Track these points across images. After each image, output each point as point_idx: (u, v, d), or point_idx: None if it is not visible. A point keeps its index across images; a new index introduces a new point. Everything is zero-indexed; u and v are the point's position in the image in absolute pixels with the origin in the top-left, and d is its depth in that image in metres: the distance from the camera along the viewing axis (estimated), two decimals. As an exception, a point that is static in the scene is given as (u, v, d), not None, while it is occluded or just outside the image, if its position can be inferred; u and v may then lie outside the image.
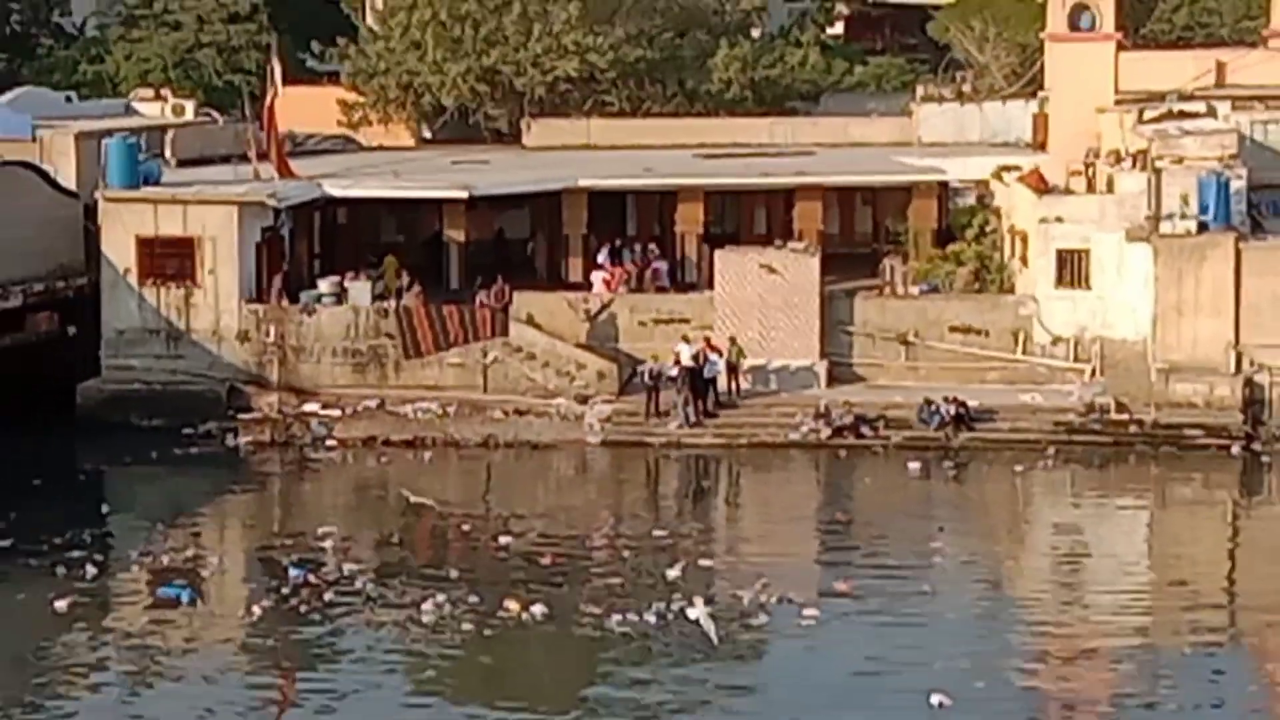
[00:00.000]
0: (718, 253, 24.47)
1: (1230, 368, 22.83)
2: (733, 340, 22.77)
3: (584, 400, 23.27)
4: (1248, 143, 24.60)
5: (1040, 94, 28.28)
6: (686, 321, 24.13)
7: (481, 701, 13.38)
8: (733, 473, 23.35)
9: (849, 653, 14.60)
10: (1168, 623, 15.53)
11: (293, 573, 16.73)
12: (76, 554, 18.14)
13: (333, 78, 36.19)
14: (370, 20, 34.91)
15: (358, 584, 16.71)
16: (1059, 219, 23.50)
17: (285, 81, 27.36)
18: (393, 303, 24.42)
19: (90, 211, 25.37)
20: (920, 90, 31.32)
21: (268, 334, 24.21)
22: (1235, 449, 22.20)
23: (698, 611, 14.39)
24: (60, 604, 15.70)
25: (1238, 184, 22.93)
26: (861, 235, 29.40)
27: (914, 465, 21.87)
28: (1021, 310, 23.85)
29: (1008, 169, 25.75)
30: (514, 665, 14.89)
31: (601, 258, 25.86)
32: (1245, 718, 12.68)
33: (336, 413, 23.94)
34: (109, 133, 26.16)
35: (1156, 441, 22.84)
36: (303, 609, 15.74)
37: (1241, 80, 27.25)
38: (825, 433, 21.66)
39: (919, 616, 15.54)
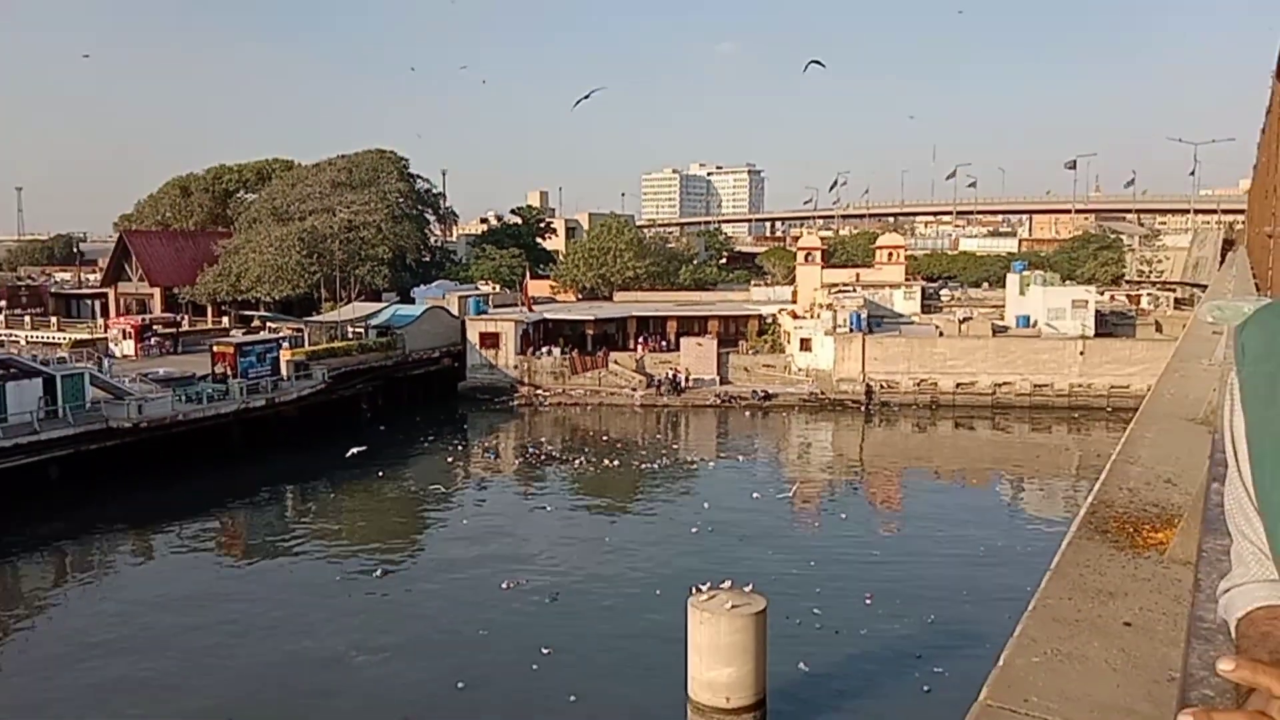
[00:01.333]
0: (683, 339, 52.74)
1: (862, 379, 49.32)
2: (687, 369, 51.19)
3: (635, 389, 50.69)
4: (866, 302, 52.50)
5: (793, 285, 57.62)
6: (670, 361, 51.85)
7: (597, 496, 35.15)
8: (685, 417, 48.21)
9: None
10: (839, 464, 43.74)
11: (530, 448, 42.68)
12: (458, 443, 43.52)
13: (546, 276, 66.46)
14: (561, 252, 67.25)
15: (553, 452, 43.88)
16: (801, 327, 51.51)
17: (531, 277, 58.14)
18: (566, 355, 52.74)
19: (462, 324, 53.48)
20: (753, 282, 62.18)
21: (525, 365, 52.13)
22: (861, 409, 48.41)
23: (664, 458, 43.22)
24: (449, 460, 39.65)
25: (862, 315, 50.45)
26: (730, 334, 56.01)
27: (747, 415, 49.07)
28: (788, 359, 51.28)
29: (782, 310, 54.48)
30: (608, 483, 35.67)
31: (640, 340, 54.66)
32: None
33: (548, 393, 51.33)
34: (469, 296, 55.94)
35: (835, 405, 48.47)
36: (535, 461, 40.86)
37: (868, 279, 56.21)
38: (716, 395, 50.51)
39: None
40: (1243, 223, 48.66)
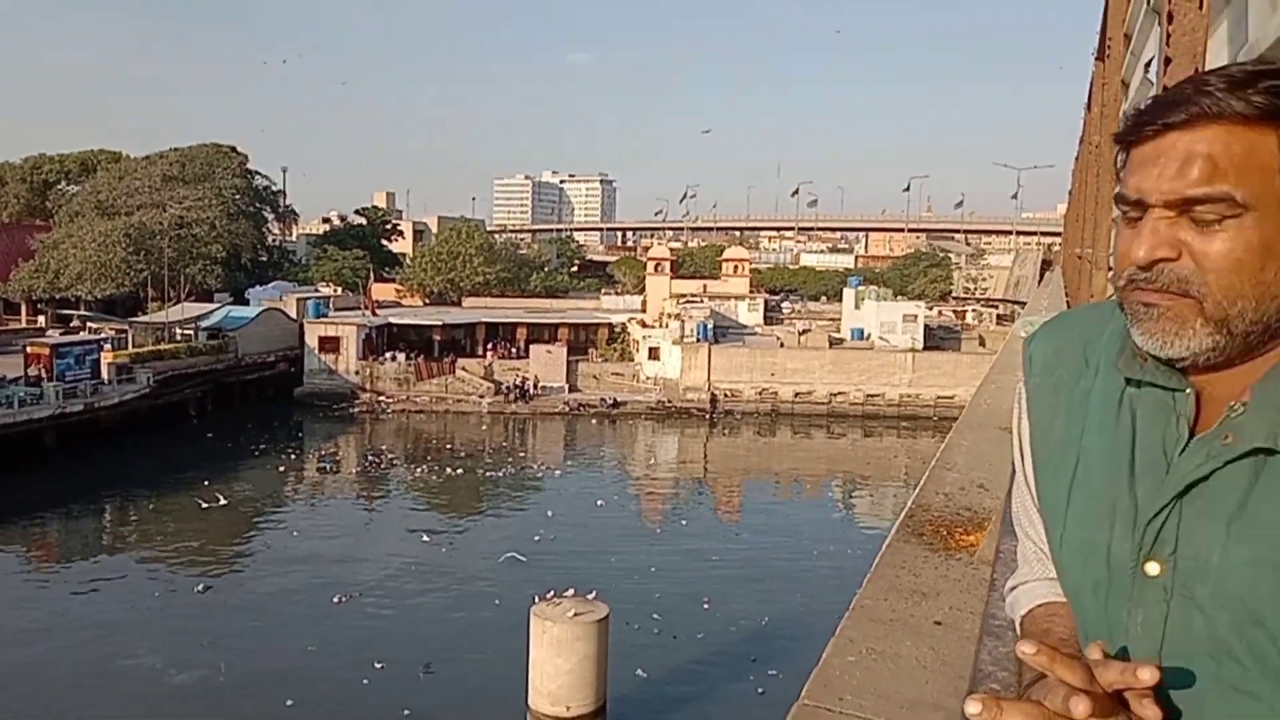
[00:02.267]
0: (533, 346, 52.34)
1: (708, 388, 50.23)
2: (536, 377, 50.82)
3: (482, 396, 49.89)
4: (713, 312, 53.70)
5: (643, 294, 58.57)
6: (519, 369, 51.37)
7: (439, 506, 40.41)
8: (533, 425, 47.79)
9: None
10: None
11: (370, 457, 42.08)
12: (293, 451, 41.55)
13: (392, 280, 64.90)
14: (408, 256, 65.71)
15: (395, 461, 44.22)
16: (649, 336, 52.17)
17: (376, 280, 56.71)
18: (412, 361, 51.49)
19: (301, 327, 51.11)
20: (604, 291, 62.67)
21: (367, 371, 50.36)
22: (706, 417, 49.46)
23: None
24: (282, 469, 38.20)
25: (709, 325, 51.35)
26: (581, 341, 55.90)
27: (595, 423, 49.29)
28: (636, 367, 51.81)
29: (632, 319, 55.18)
30: (452, 493, 36.40)
31: (489, 346, 53.89)
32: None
33: (391, 400, 49.76)
34: (308, 298, 53.93)
35: (682, 413, 49.16)
36: (374, 470, 40.66)
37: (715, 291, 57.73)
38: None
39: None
40: (1059, 244, 52.25)
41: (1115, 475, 1.03)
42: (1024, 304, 45.55)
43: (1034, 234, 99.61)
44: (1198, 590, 0.94)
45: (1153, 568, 0.98)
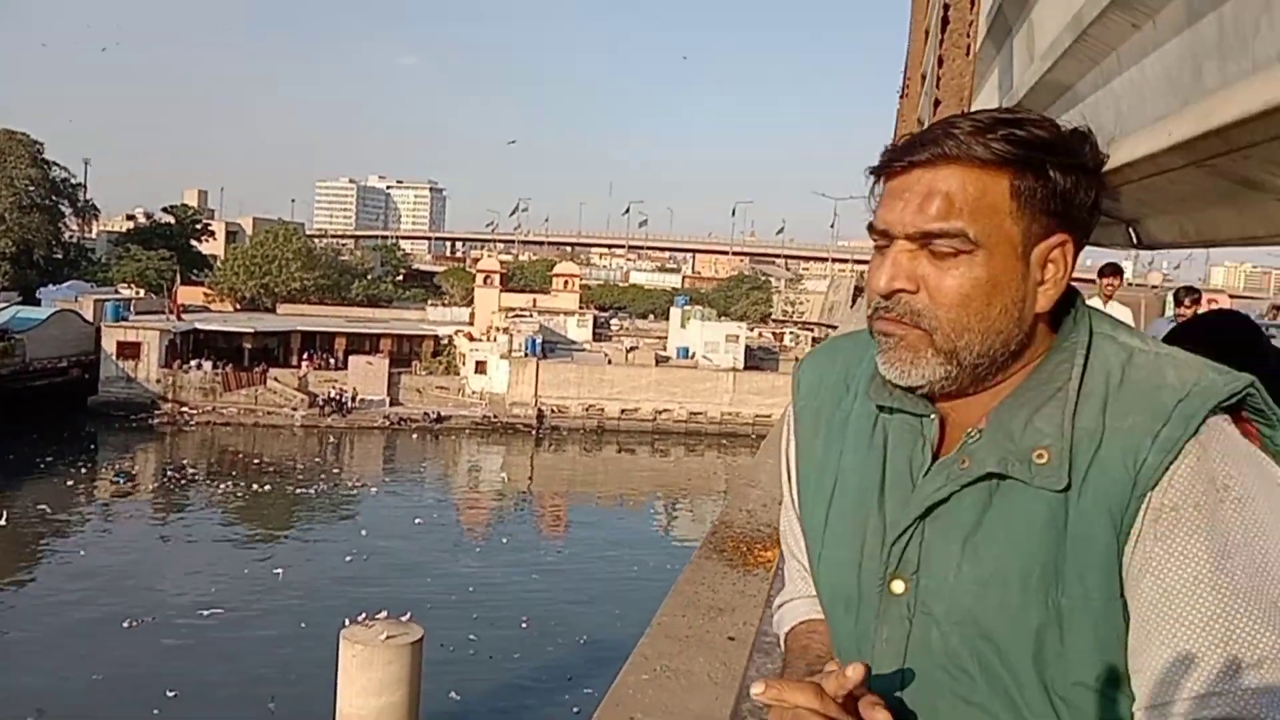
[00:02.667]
0: (352, 357, 50.73)
1: (534, 403, 50.11)
2: (355, 389, 49.17)
3: (295, 409, 47.72)
4: (542, 327, 53.68)
5: (471, 307, 58.07)
6: (336, 380, 49.55)
7: (245, 524, 38.67)
8: (350, 440, 46.03)
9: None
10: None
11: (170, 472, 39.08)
12: (85, 465, 38.32)
13: (200, 283, 61.36)
14: (220, 258, 62.37)
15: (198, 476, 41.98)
16: (477, 349, 51.53)
17: (183, 283, 53.50)
18: (220, 370, 48.63)
19: (97, 331, 47.50)
20: (430, 302, 61.77)
21: (170, 379, 47.41)
22: (532, 433, 49.65)
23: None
24: (72, 484, 34.88)
25: (537, 340, 51.02)
26: (404, 353, 54.86)
27: (417, 437, 48.39)
28: (462, 381, 51.13)
29: (459, 332, 54.48)
30: (259, 510, 33.97)
31: (305, 356, 51.85)
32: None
33: (196, 412, 47.08)
34: (106, 300, 50.21)
35: (508, 428, 48.75)
36: (175, 487, 37.83)
37: (545, 305, 57.92)
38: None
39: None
40: (869, 273, 55.32)
41: (867, 496, 1.07)
42: (837, 327, 47.72)
43: (848, 261, 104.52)
44: (936, 607, 0.99)
45: (898, 586, 1.02)
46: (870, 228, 1.04)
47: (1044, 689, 0.94)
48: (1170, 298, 10.81)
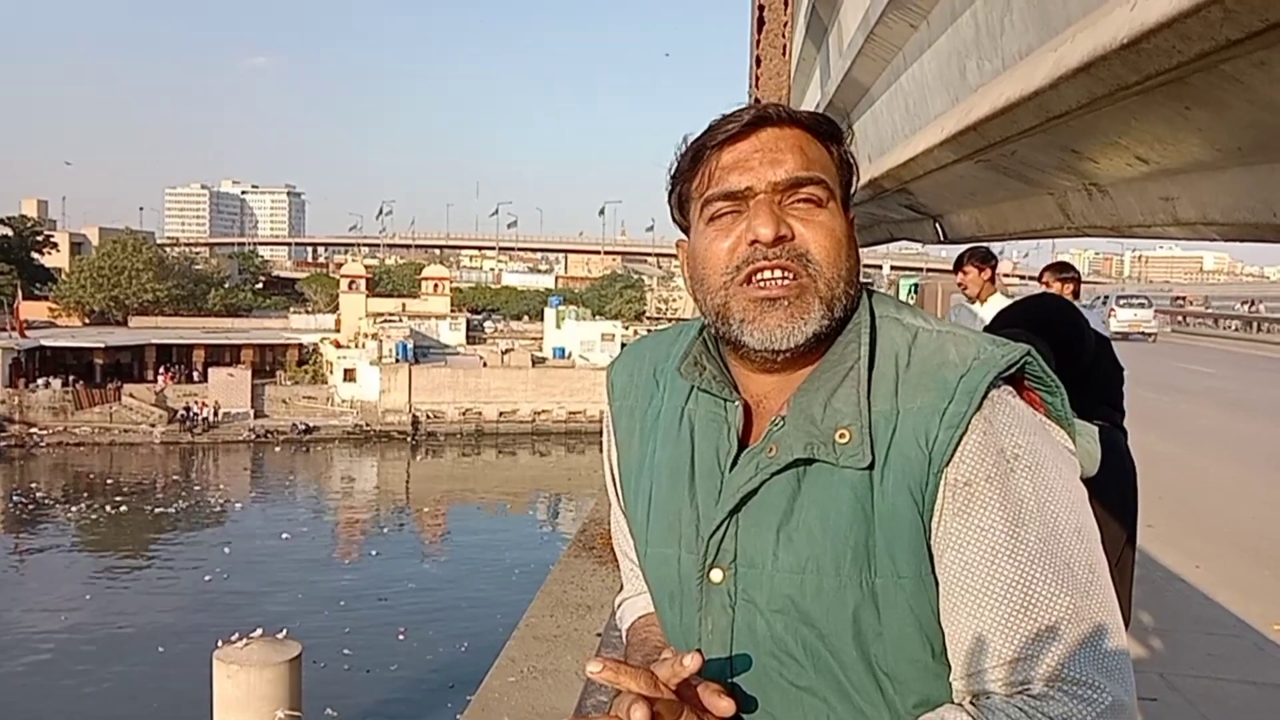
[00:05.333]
0: (211, 369, 48.64)
1: (409, 410, 49.82)
2: (216, 402, 47.21)
3: (154, 425, 45.61)
4: (413, 332, 52.65)
5: (337, 313, 56.69)
6: (197, 394, 47.38)
7: (103, 549, 36.73)
8: (213, 455, 44.40)
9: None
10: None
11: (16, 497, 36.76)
12: None
13: (44, 297, 57.86)
14: (65, 271, 58.95)
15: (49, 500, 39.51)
16: (344, 357, 50.23)
17: (25, 298, 50.36)
18: (70, 388, 46.00)
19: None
20: (292, 309, 60.06)
21: (16, 399, 44.48)
22: (407, 440, 48.32)
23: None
24: None
25: (408, 345, 50.34)
26: (268, 363, 52.95)
27: (284, 450, 46.68)
28: (330, 390, 49.64)
29: (325, 339, 52.95)
30: (117, 533, 32.60)
31: (162, 370, 49.64)
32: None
33: (46, 432, 44.46)
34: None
35: (382, 436, 47.65)
36: (23, 512, 35.48)
37: (414, 310, 57.03)
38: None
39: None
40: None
41: (678, 489, 1.10)
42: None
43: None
44: (757, 596, 1.02)
45: (716, 575, 1.05)
46: (714, 198, 1.04)
47: (869, 668, 0.98)
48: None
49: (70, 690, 19.72)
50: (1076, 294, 5.37)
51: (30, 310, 53.88)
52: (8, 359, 45.08)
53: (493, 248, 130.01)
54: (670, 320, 71.04)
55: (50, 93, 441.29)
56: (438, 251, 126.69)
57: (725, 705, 0.94)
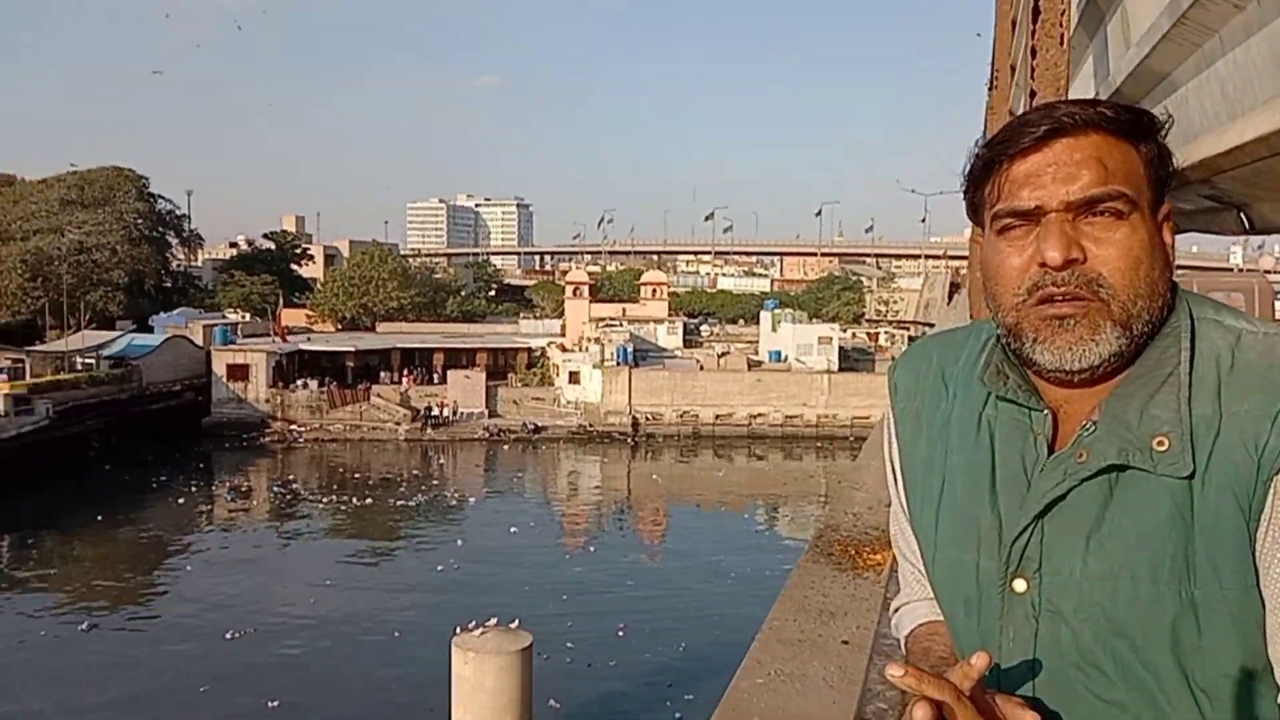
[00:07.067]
0: (450, 371, 51.70)
1: (629, 412, 49.93)
2: (454, 402, 50.15)
3: (398, 423, 48.94)
4: (632, 336, 53.79)
5: (562, 319, 58.53)
6: (436, 394, 50.63)
7: (351, 537, 39.26)
8: (451, 452, 47.02)
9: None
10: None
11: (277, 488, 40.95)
12: (197, 483, 39.75)
13: (302, 305, 63.51)
14: (319, 281, 64.58)
15: (305, 492, 43.37)
16: (569, 360, 51.99)
17: (286, 306, 55.47)
18: (325, 388, 50.28)
19: (207, 354, 49.83)
20: (522, 315, 62.60)
21: (278, 399, 49.12)
22: (628, 441, 49.13)
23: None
24: (186, 502, 36.29)
25: (629, 348, 51.30)
26: (500, 366, 55.87)
27: (514, 448, 48.65)
28: (556, 391, 51.52)
29: (551, 343, 55.01)
30: (364, 522, 35.08)
31: (405, 372, 53.08)
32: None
33: (304, 429, 48.74)
34: (215, 324, 52.36)
35: (603, 437, 49.01)
36: (283, 502, 39.47)
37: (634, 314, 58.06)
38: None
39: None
40: (966, 267, 53.86)
41: (977, 495, 1.07)
42: (933, 325, 46.72)
43: (942, 257, 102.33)
44: (1063, 604, 0.98)
45: (1020, 584, 1.01)
46: (1005, 214, 1.01)
47: (1185, 683, 0.93)
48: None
49: (316, 665, 21.27)
50: None
51: (290, 317, 59.21)
52: (271, 362, 49.50)
53: (708, 252, 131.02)
54: (890, 323, 69.26)
55: (306, 119, 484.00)
56: (655, 257, 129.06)
57: (1029, 718, 0.91)
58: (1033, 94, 2.06)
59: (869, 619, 3.99)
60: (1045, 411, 1.04)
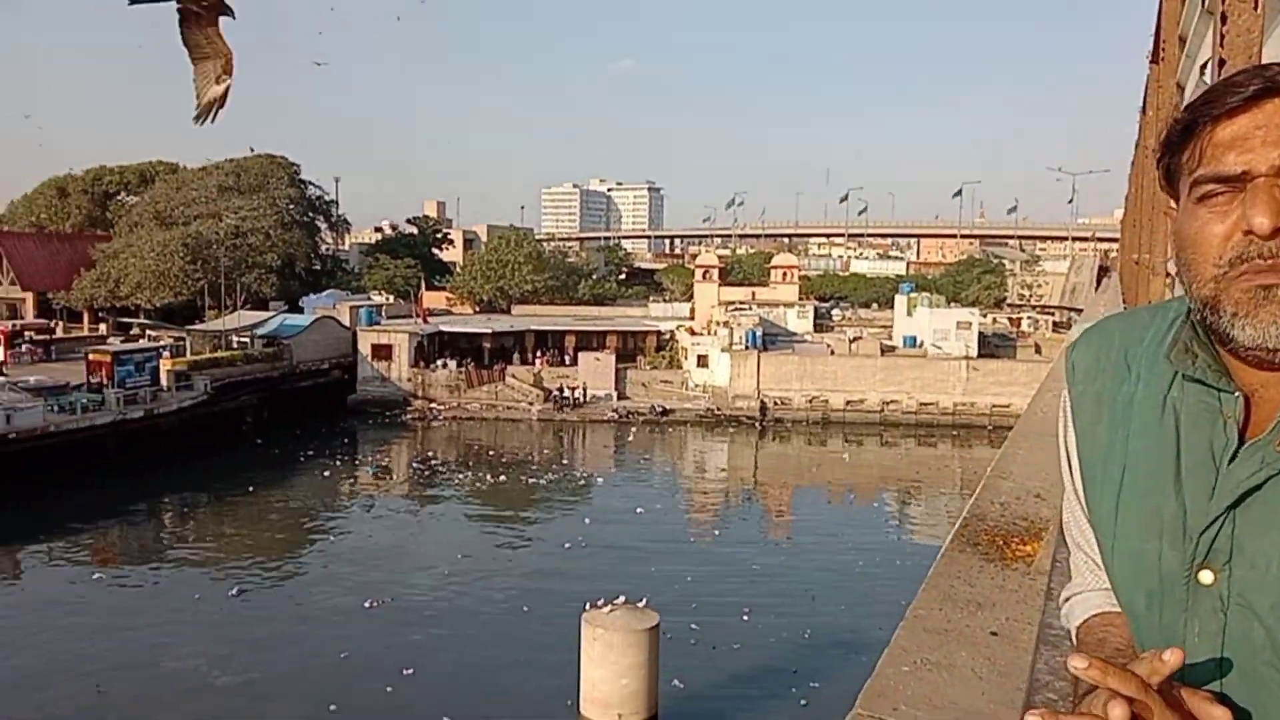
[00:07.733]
0: (581, 354, 52.49)
1: (757, 396, 49.61)
2: (585, 384, 50.56)
3: (531, 404, 50.09)
4: (761, 320, 53.32)
5: (691, 302, 58.42)
6: (568, 376, 51.33)
7: (485, 512, 40.72)
8: (582, 432, 47.87)
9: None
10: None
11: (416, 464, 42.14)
12: (342, 458, 42.24)
13: (442, 288, 65.56)
14: (459, 264, 66.42)
15: (442, 468, 44.18)
16: (698, 343, 51.99)
17: (427, 288, 57.33)
18: (463, 368, 51.87)
19: (354, 335, 52.13)
20: (651, 298, 62.69)
21: (419, 378, 50.97)
22: (755, 425, 48.92)
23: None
24: (333, 475, 38.53)
25: (757, 332, 51.02)
26: (629, 348, 56.42)
27: (642, 430, 48.22)
28: (685, 374, 51.68)
29: (680, 327, 55.09)
30: (498, 499, 36.22)
31: (538, 354, 54.18)
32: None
33: (443, 407, 50.55)
34: (361, 306, 54.51)
35: (731, 421, 48.76)
36: (422, 477, 40.83)
37: (764, 298, 57.48)
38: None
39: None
40: (1116, 250, 51.21)
41: (1161, 482, 1.02)
42: (1080, 311, 44.67)
43: (1090, 239, 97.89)
44: (1257, 601, 0.94)
45: (1206, 576, 0.97)
46: (1207, 179, 0.96)
47: None
48: None
49: (446, 637, 21.97)
50: None
51: (430, 299, 61.08)
52: (413, 343, 51.38)
53: (841, 234, 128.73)
54: (1034, 308, 66.65)
55: (446, 106, 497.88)
56: (786, 240, 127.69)
57: (1220, 714, 0.86)
58: (1221, 62, 1.93)
59: (1018, 610, 3.87)
60: (1237, 394, 0.98)
